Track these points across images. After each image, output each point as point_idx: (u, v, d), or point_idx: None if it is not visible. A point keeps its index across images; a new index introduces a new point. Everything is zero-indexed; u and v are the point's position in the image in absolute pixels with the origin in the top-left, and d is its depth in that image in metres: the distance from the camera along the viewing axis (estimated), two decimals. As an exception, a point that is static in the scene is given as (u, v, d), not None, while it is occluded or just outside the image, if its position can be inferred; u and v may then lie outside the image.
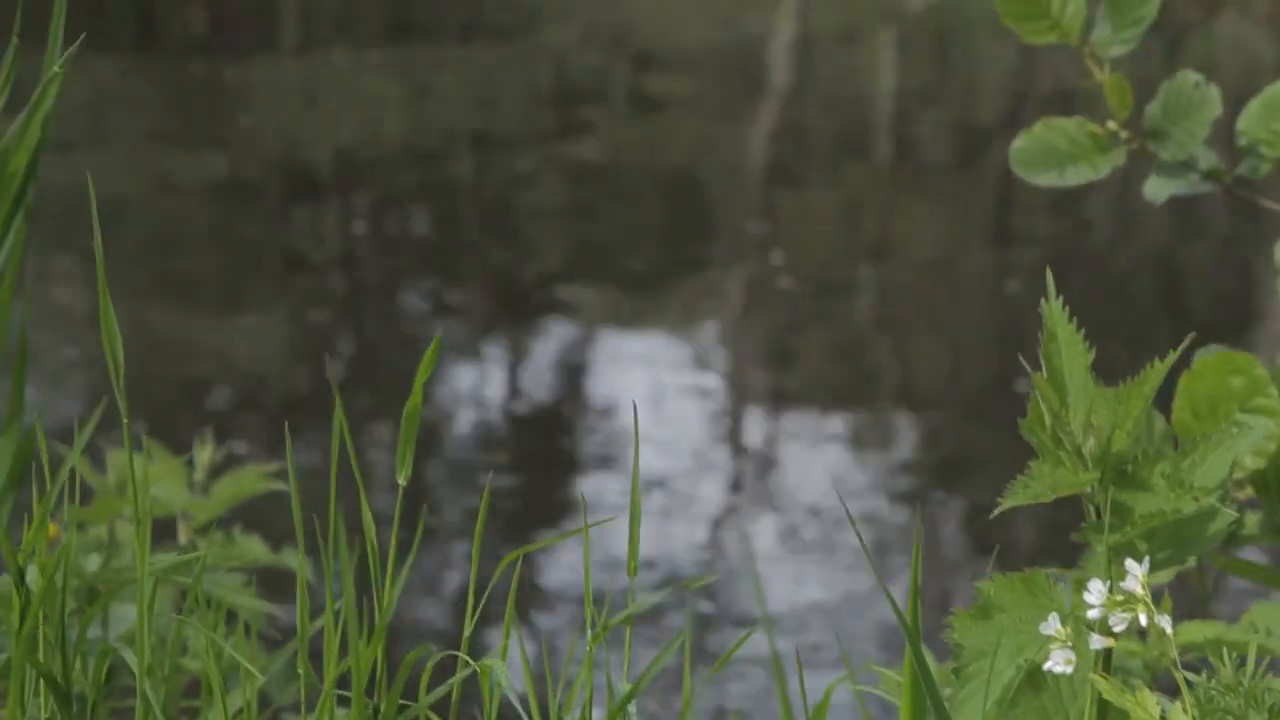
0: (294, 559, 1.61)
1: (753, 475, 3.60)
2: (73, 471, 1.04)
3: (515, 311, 4.12)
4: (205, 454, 1.80)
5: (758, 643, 2.21)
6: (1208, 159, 1.55)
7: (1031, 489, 0.90)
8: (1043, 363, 0.93)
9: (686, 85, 5.55)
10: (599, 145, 5.04)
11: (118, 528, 1.64)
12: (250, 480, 1.78)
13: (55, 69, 0.95)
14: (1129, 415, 0.90)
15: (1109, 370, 0.92)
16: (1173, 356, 0.90)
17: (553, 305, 4.14)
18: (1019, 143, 1.58)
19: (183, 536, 1.75)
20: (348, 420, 0.93)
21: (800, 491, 3.41)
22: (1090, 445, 0.89)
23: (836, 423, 3.73)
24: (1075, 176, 1.57)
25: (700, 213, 4.69)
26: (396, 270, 4.22)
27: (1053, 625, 0.89)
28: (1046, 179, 1.58)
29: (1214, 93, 1.54)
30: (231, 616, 1.48)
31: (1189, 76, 1.56)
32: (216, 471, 1.80)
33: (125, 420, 1.00)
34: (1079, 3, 1.52)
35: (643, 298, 4.15)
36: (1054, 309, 0.94)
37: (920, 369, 4.08)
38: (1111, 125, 1.54)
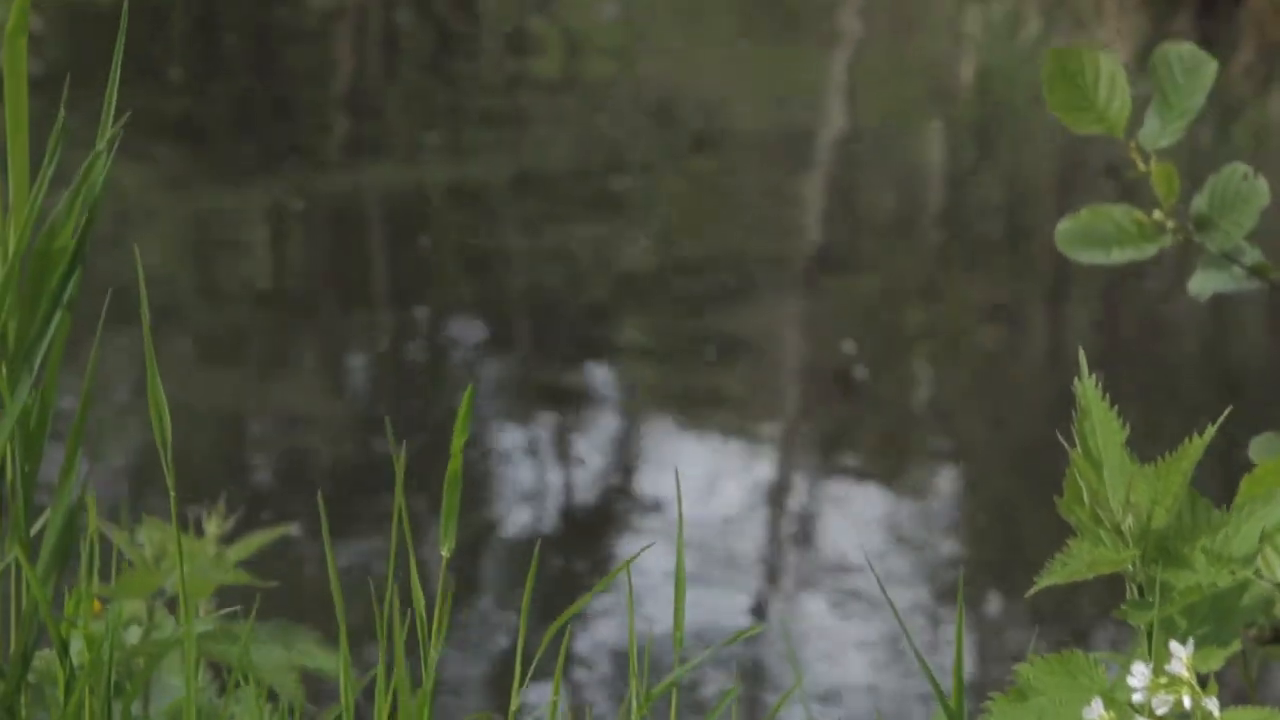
0: (334, 659, 1.61)
1: (796, 544, 3.60)
2: (114, 546, 1.05)
3: (559, 380, 4.13)
4: (215, 523, 1.81)
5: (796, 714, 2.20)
6: (1253, 255, 1.55)
7: (1069, 567, 0.90)
8: (1077, 440, 0.93)
9: (734, 163, 5.57)
10: (645, 221, 5.05)
11: (153, 603, 1.65)
12: (264, 536, 1.79)
13: (101, 145, 0.98)
14: (1168, 492, 0.91)
15: (1149, 447, 0.92)
16: (1211, 431, 0.91)
17: (600, 378, 4.16)
18: (1065, 225, 1.59)
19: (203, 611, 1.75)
20: (385, 487, 0.94)
21: (844, 561, 3.41)
22: (1129, 523, 0.90)
23: (881, 496, 3.73)
24: (1121, 257, 1.58)
25: (750, 293, 4.70)
26: (439, 335, 4.25)
27: (1095, 709, 0.88)
28: (1091, 258, 1.59)
29: (1262, 185, 1.54)
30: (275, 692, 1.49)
31: (1238, 169, 1.56)
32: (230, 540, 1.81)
33: (173, 495, 1.02)
34: (1124, 95, 1.53)
35: (691, 374, 4.17)
36: (1087, 387, 0.95)
37: (968, 443, 4.07)
38: (1158, 215, 1.55)
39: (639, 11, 7.83)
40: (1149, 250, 1.58)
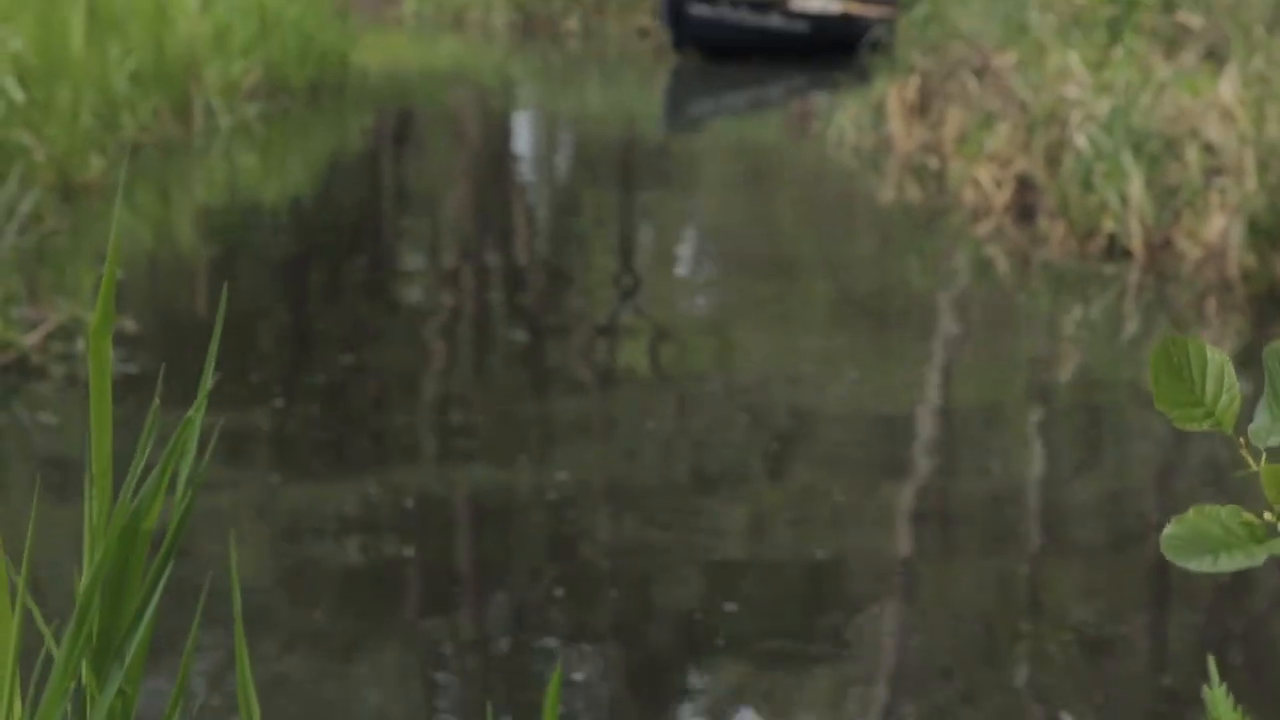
0: None
1: None
2: None
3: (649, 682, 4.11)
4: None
5: None
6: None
7: None
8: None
9: (829, 463, 5.58)
10: (728, 528, 5.06)
11: None
12: None
13: (192, 412, 0.99)
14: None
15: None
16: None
17: (682, 687, 4.13)
18: (1171, 529, 1.58)
19: None
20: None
21: None
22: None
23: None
24: (1229, 564, 1.57)
25: (842, 595, 4.68)
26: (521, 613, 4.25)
27: None
28: (1199, 565, 1.58)
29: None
30: None
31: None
32: None
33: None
34: (1234, 391, 1.53)
35: (779, 683, 4.14)
36: (1217, 695, 0.94)
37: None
38: (1269, 516, 1.54)
39: (727, 304, 7.93)
40: (1259, 556, 1.56)
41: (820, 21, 17.51)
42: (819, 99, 16.52)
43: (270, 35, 14.56)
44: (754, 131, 15.04)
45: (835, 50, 17.19)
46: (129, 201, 9.90)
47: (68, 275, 7.68)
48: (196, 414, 1.03)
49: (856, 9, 17.96)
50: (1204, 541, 1.58)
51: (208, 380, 1.02)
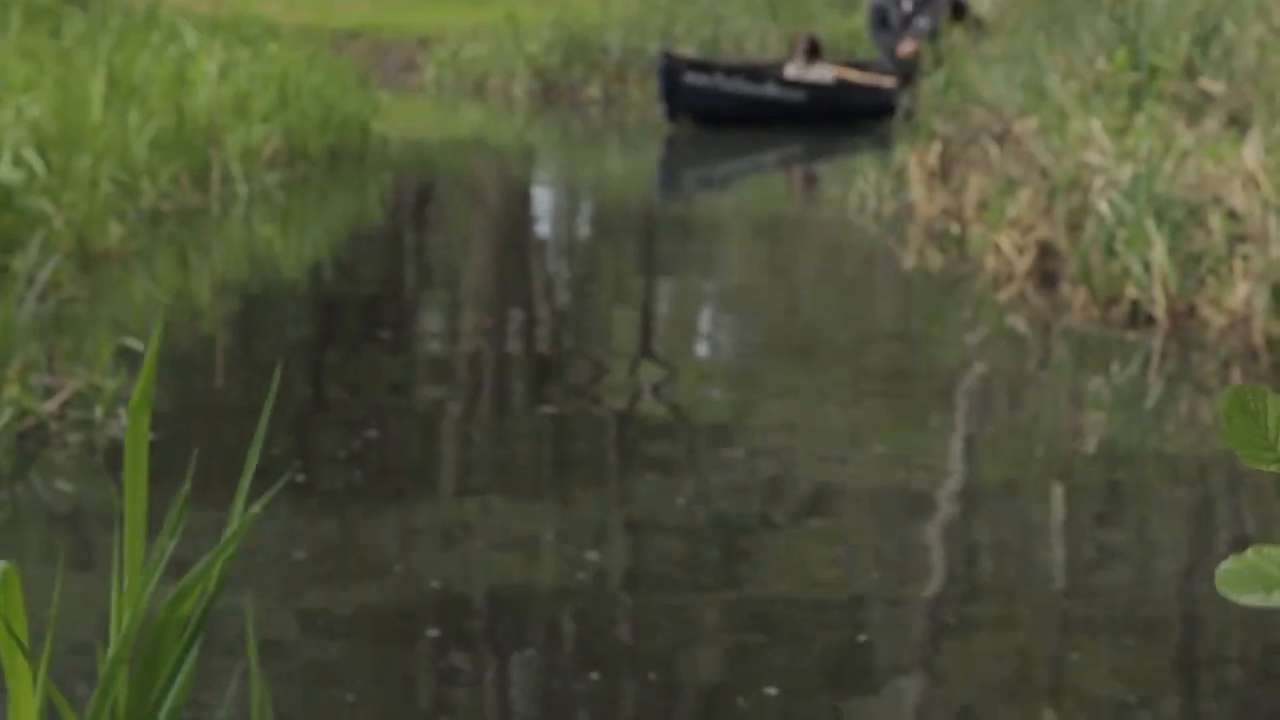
0: None
1: None
2: None
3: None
4: None
5: None
6: None
7: None
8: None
9: (849, 532, 5.57)
10: (756, 596, 5.05)
11: None
12: None
13: (246, 516, 1.00)
14: None
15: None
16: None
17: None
18: (1228, 565, 1.59)
19: None
20: None
21: None
22: None
23: None
24: (1280, 601, 1.58)
25: (863, 676, 4.66)
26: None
27: None
28: (1251, 600, 1.59)
29: None
30: None
31: None
32: None
33: None
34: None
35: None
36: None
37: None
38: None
39: (747, 374, 7.93)
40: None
41: (816, 90, 17.55)
42: (824, 166, 16.57)
43: (290, 102, 14.64)
44: (772, 198, 15.08)
45: (831, 119, 17.30)
46: (148, 269, 9.94)
47: (86, 343, 7.70)
48: (237, 519, 1.03)
49: (854, 77, 18.04)
50: (1259, 579, 1.58)
51: (247, 479, 1.03)
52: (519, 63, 23.98)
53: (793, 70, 17.74)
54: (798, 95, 17.36)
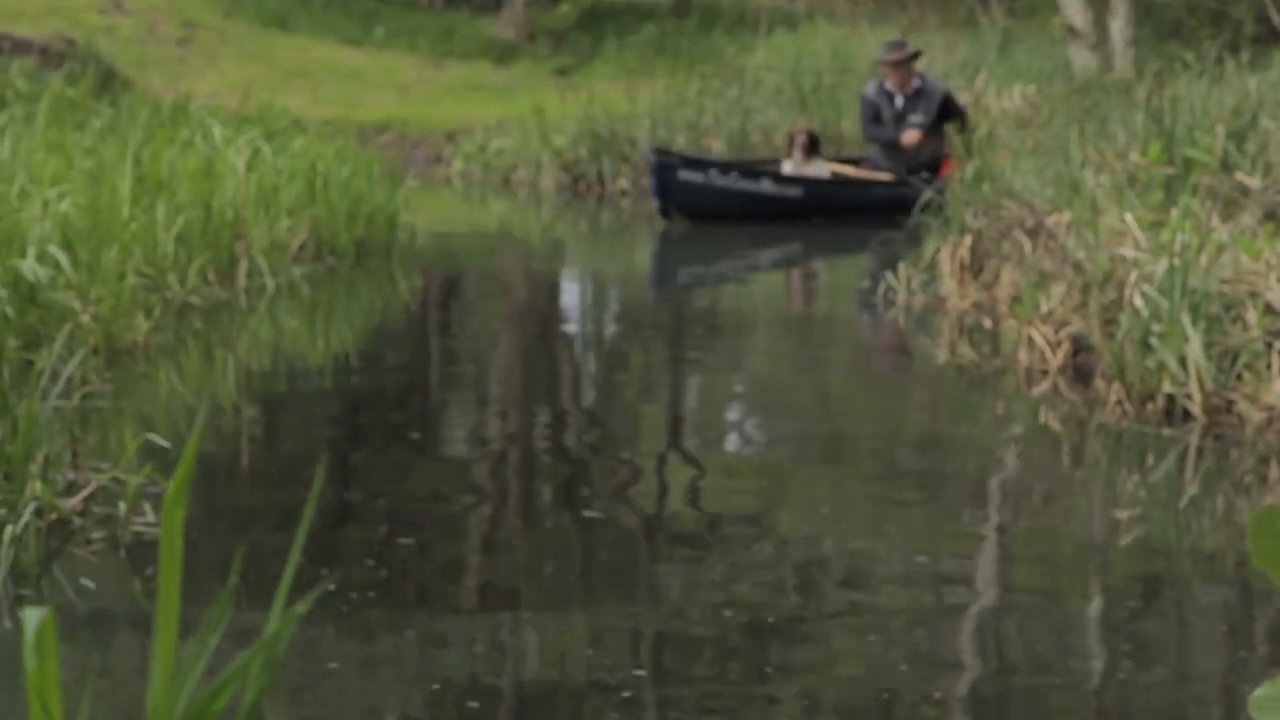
0: None
1: None
2: None
3: None
4: None
5: None
6: None
7: None
8: None
9: (882, 636, 5.55)
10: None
11: None
12: None
13: (289, 613, 1.00)
14: None
15: None
16: None
17: None
18: (1262, 690, 1.58)
19: None
20: None
21: None
22: None
23: None
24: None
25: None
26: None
27: None
28: (1285, 727, 1.58)
29: None
30: None
31: None
32: None
33: None
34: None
35: None
36: None
37: None
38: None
39: (777, 472, 7.92)
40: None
41: (813, 186, 17.55)
42: (836, 262, 16.60)
43: (318, 196, 14.73)
44: (793, 294, 15.11)
45: (827, 216, 17.34)
46: (174, 364, 9.97)
47: (110, 438, 7.72)
48: (277, 619, 1.03)
49: (849, 173, 18.16)
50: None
51: (289, 575, 1.03)
52: (546, 155, 24.12)
53: (789, 166, 17.76)
54: (794, 191, 17.35)
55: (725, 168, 17.17)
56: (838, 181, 17.74)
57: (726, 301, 14.27)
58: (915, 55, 18.15)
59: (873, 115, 17.97)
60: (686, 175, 16.88)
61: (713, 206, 16.91)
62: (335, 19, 33.11)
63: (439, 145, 27.11)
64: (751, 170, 17.32)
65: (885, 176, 17.75)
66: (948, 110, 18.08)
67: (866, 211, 16.99)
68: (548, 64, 31.55)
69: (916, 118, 17.73)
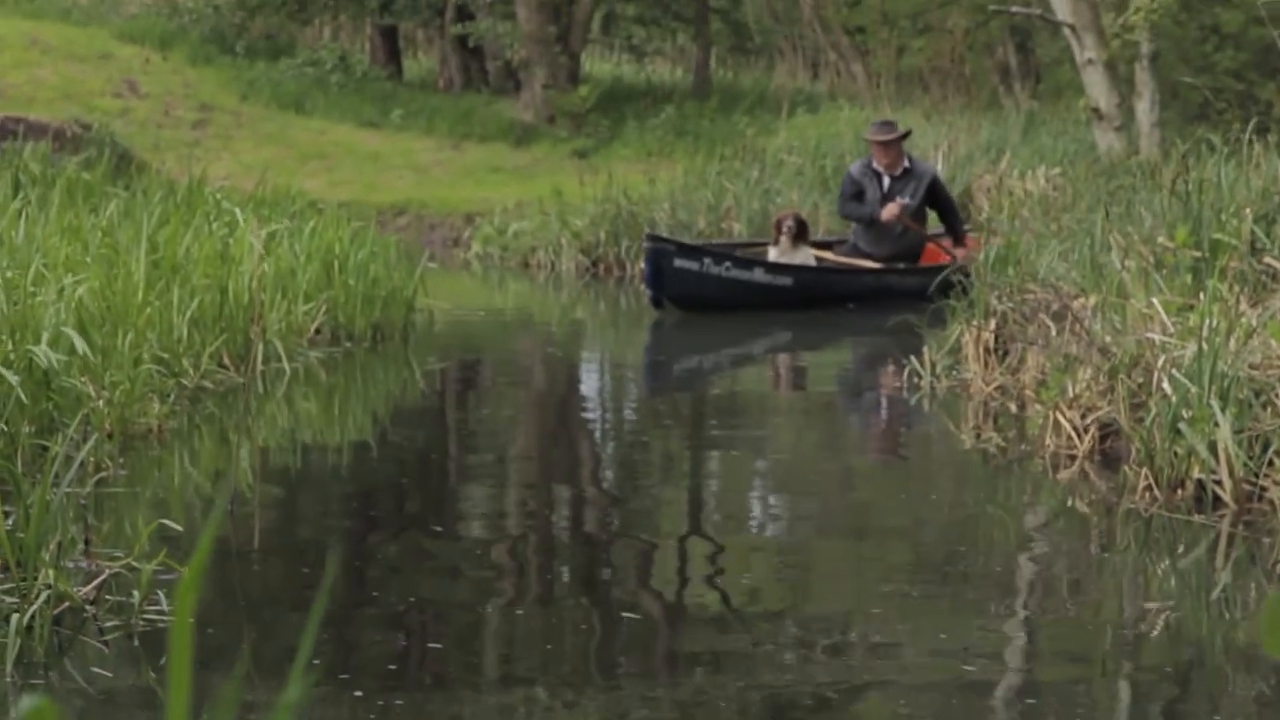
0: None
1: None
2: None
3: None
4: None
5: None
6: None
7: None
8: None
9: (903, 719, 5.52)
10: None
11: None
12: None
13: (299, 691, 0.99)
14: None
15: None
16: None
17: None
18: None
19: None
20: None
21: None
22: None
23: None
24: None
25: None
26: None
27: None
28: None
29: None
30: None
31: None
32: None
33: None
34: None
35: None
36: None
37: None
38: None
39: (800, 561, 7.89)
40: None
41: (802, 274, 17.62)
42: (846, 348, 16.60)
43: (334, 279, 14.77)
44: (809, 379, 15.10)
45: (815, 304, 17.42)
46: (189, 449, 9.98)
47: (124, 524, 7.72)
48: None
49: (831, 260, 18.32)
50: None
51: (304, 657, 1.02)
52: (565, 238, 24.19)
53: (775, 253, 17.84)
54: (785, 280, 17.39)
55: (719, 256, 17.15)
56: (827, 270, 17.87)
57: (741, 387, 14.27)
58: (905, 135, 18.29)
59: (855, 193, 18.10)
60: (683, 263, 16.85)
61: (706, 295, 16.89)
62: (352, 102, 33.28)
63: (457, 227, 27.20)
64: (745, 260, 17.34)
65: (870, 264, 17.94)
66: (934, 194, 18.21)
67: (852, 299, 17.26)
68: (567, 146, 31.67)
69: (903, 199, 17.88)
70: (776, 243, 17.85)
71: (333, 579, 7.00)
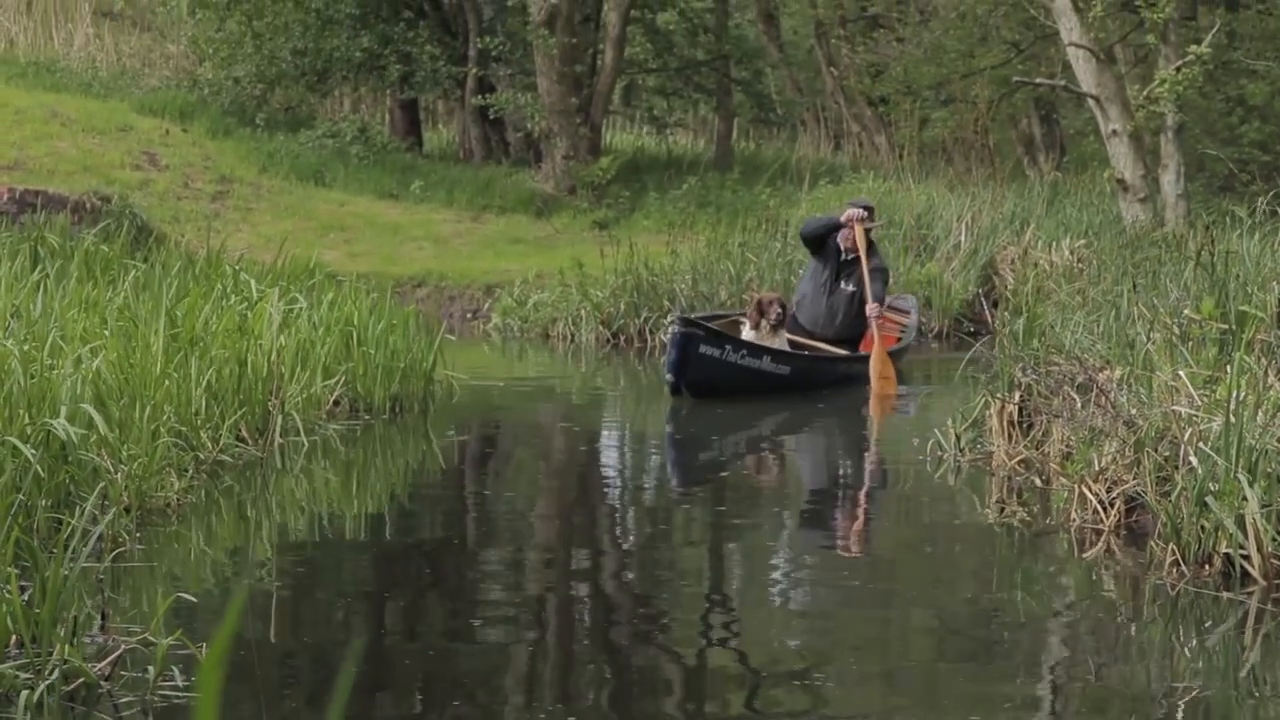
0: None
1: None
2: None
3: None
4: None
5: None
6: None
7: None
8: None
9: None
10: None
11: None
12: None
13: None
14: None
15: None
16: None
17: None
18: None
19: None
20: None
21: None
22: None
23: None
24: None
25: None
26: None
27: None
28: None
29: None
30: None
31: None
32: None
33: None
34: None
35: None
36: None
37: None
38: None
39: (822, 638, 7.87)
40: None
41: (798, 363, 18.31)
42: (867, 426, 16.61)
43: (353, 351, 14.79)
44: (832, 457, 15.08)
45: (808, 389, 18.01)
46: (206, 524, 9.98)
47: (140, 599, 7.72)
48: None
49: (820, 350, 19.25)
50: None
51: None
52: (586, 309, 24.22)
53: (751, 334, 18.32)
54: (784, 369, 17.98)
55: (736, 344, 17.56)
56: (816, 358, 18.52)
57: (762, 461, 14.25)
58: (874, 225, 19.26)
59: (832, 227, 19.03)
60: (708, 350, 17.17)
61: (720, 381, 17.21)
62: (372, 173, 33.40)
63: (477, 299, 27.26)
64: (756, 349, 17.73)
65: (842, 350, 18.70)
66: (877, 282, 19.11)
67: (833, 385, 17.93)
68: (588, 217, 31.75)
69: (876, 287, 18.78)
70: (755, 326, 18.19)
71: (343, 646, 6.98)
